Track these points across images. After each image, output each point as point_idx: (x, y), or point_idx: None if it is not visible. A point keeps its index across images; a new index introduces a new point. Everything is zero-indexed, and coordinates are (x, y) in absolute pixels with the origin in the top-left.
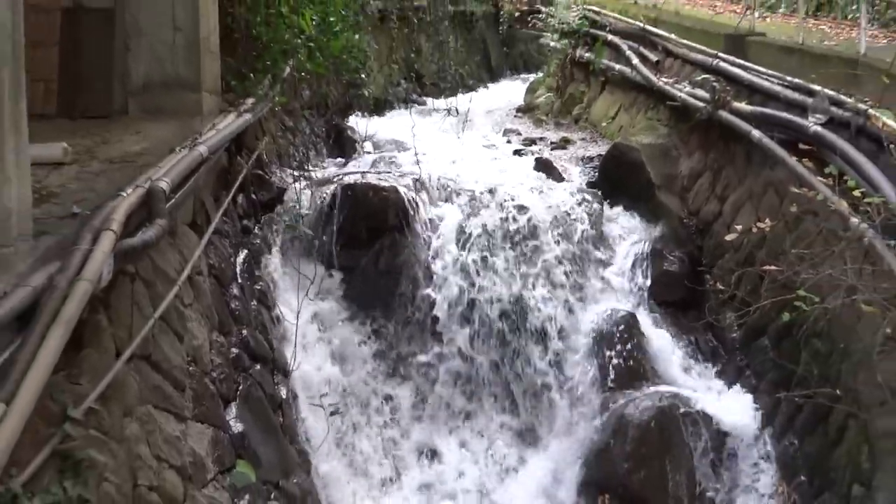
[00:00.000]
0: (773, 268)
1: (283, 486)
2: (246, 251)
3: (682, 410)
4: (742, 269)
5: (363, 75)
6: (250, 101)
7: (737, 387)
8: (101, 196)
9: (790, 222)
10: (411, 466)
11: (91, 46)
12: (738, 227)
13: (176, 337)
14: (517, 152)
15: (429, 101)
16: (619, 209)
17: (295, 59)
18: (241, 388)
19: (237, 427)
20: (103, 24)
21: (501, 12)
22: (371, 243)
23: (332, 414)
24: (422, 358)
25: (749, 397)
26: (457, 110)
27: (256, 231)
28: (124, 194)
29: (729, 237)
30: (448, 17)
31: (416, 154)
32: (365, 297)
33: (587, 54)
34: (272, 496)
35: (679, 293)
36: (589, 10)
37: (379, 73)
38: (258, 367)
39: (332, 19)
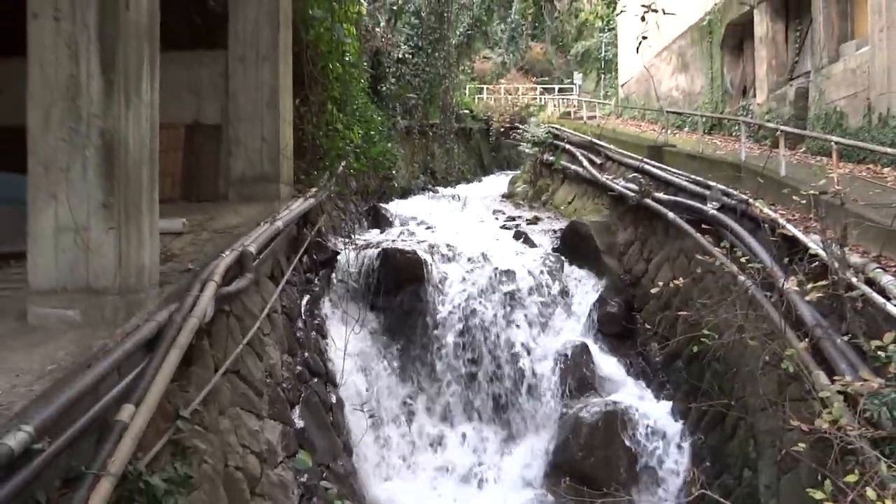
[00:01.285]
0: (684, 312)
1: (333, 467)
2: (308, 296)
3: (621, 413)
4: (662, 312)
5: (393, 171)
6: (314, 189)
7: (660, 397)
8: (208, 256)
9: (696, 279)
10: (425, 451)
11: (204, 151)
12: (660, 284)
13: (258, 357)
14: (503, 226)
15: (440, 189)
16: (575, 267)
17: (346, 161)
18: (303, 395)
19: (299, 424)
20: (213, 135)
21: (491, 128)
22: (399, 291)
23: (370, 416)
24: (433, 374)
25: (669, 404)
26: (459, 196)
27: (316, 282)
28: (224, 255)
29: (653, 290)
30: (454, 132)
31: (429, 228)
32: (394, 331)
33: (551, 158)
34: (324, 475)
35: (618, 328)
36: (552, 127)
37: (404, 170)
38: (315, 380)
39: (372, 133)
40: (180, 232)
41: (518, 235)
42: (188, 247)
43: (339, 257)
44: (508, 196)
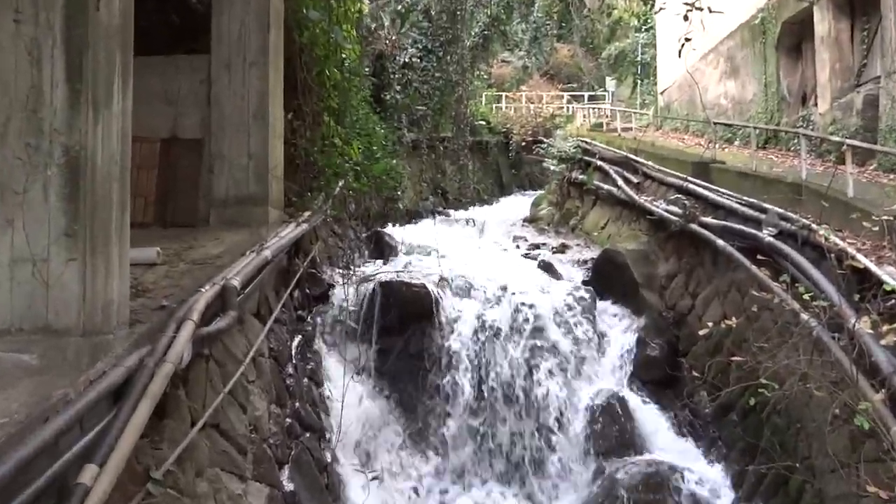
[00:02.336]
0: (737, 357)
1: None
2: (300, 336)
3: (665, 476)
4: (712, 357)
5: (399, 192)
6: (307, 213)
7: (710, 456)
8: (185, 291)
9: (751, 317)
10: None
11: (182, 169)
12: (710, 324)
13: (241, 409)
14: (525, 255)
15: (451, 212)
16: (609, 303)
17: (344, 180)
18: (293, 452)
19: (289, 486)
20: (193, 151)
21: (511, 142)
22: (403, 330)
23: (372, 478)
24: (442, 432)
25: (721, 466)
26: (474, 221)
27: (309, 320)
28: (203, 290)
29: (701, 331)
30: (468, 146)
31: (439, 257)
32: (399, 376)
33: (581, 176)
34: None
35: (660, 375)
36: (582, 141)
37: (411, 190)
38: (308, 434)
39: (374, 148)
40: (154, 263)
41: (543, 266)
42: (162, 280)
43: (335, 292)
44: (531, 220)
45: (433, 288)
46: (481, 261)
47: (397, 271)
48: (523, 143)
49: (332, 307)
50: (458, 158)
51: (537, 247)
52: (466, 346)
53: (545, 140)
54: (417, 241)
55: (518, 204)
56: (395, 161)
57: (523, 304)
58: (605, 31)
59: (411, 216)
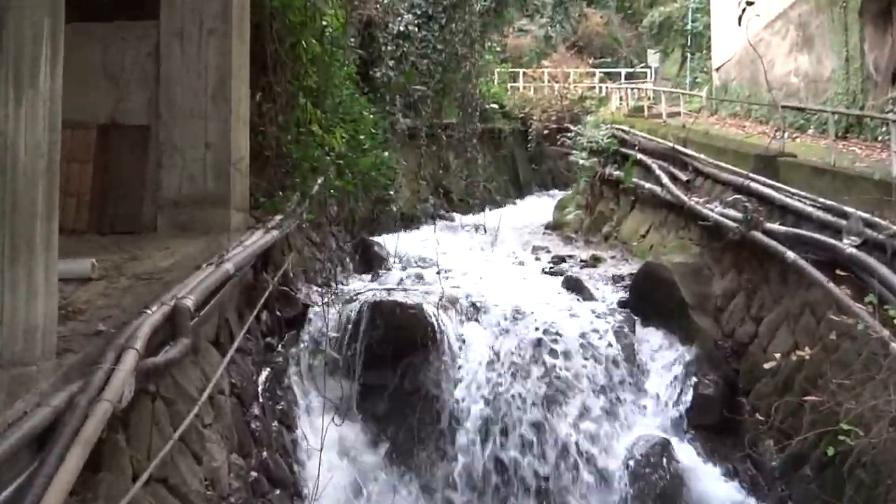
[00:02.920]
0: (812, 397)
1: None
2: (268, 370)
3: None
4: (780, 395)
5: (391, 191)
6: (278, 217)
7: None
8: (127, 313)
9: (828, 347)
10: None
11: (124, 162)
12: (777, 356)
13: (194, 459)
14: (546, 270)
15: (457, 216)
16: (651, 329)
17: (325, 177)
18: None
19: None
20: (137, 140)
21: (530, 130)
22: (397, 362)
23: None
24: (448, 484)
25: None
26: (484, 227)
27: (280, 349)
28: (149, 311)
29: (766, 364)
30: (477, 135)
31: (440, 272)
32: (391, 420)
33: (616, 172)
34: None
35: (715, 418)
36: (618, 129)
37: (407, 189)
38: (278, 492)
39: (361, 137)
40: (88, 278)
41: (569, 284)
42: (99, 299)
43: (312, 314)
44: (555, 227)
45: (433, 311)
46: (493, 277)
47: (389, 289)
48: (545, 132)
49: (308, 333)
50: (464, 150)
51: (562, 260)
52: (475, 382)
53: (572, 128)
54: (414, 251)
55: (539, 206)
56: (386, 153)
57: (545, 330)
58: None
59: (407, 221)
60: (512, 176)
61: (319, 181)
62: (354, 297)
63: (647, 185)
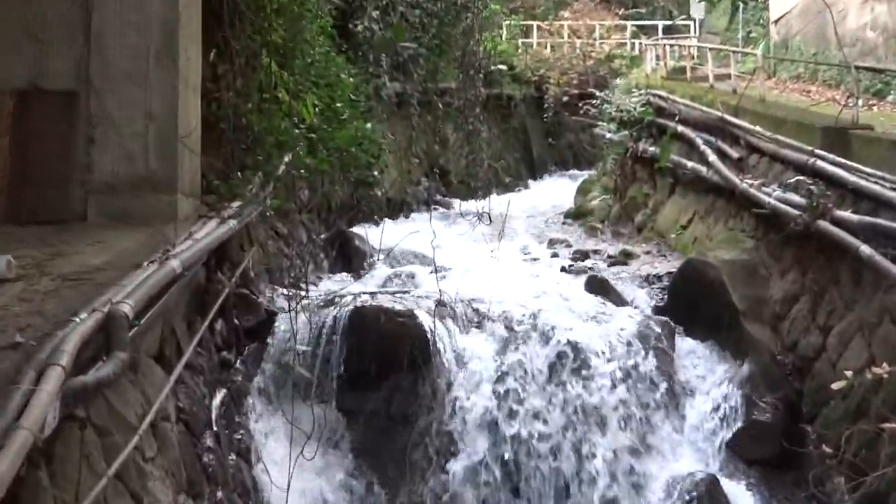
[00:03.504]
0: (893, 425)
1: None
2: (224, 391)
3: None
4: (853, 422)
5: (375, 172)
6: (236, 204)
7: None
8: (50, 322)
9: None
10: None
11: (47, 137)
12: (849, 374)
13: (133, 500)
14: (566, 269)
15: (455, 203)
16: (694, 342)
17: (293, 154)
18: None
19: None
20: (63, 110)
21: (546, 96)
22: (381, 382)
23: None
24: None
25: None
26: (489, 216)
27: (238, 366)
28: (78, 320)
29: (836, 384)
30: (480, 103)
31: (436, 271)
32: (372, 453)
33: (652, 148)
34: None
35: (772, 450)
36: (654, 96)
37: (395, 169)
38: None
39: (338, 105)
40: (4, 278)
41: (594, 285)
42: (16, 304)
43: (278, 323)
44: (576, 215)
45: (427, 319)
46: (501, 277)
47: (373, 292)
48: (565, 99)
49: (273, 347)
50: (465, 121)
51: (585, 255)
52: (478, 407)
53: (598, 94)
54: (404, 245)
55: (556, 190)
56: (369, 125)
57: (564, 342)
58: None
59: (395, 208)
60: (524, 153)
61: (287, 159)
62: (330, 302)
63: (690, 165)
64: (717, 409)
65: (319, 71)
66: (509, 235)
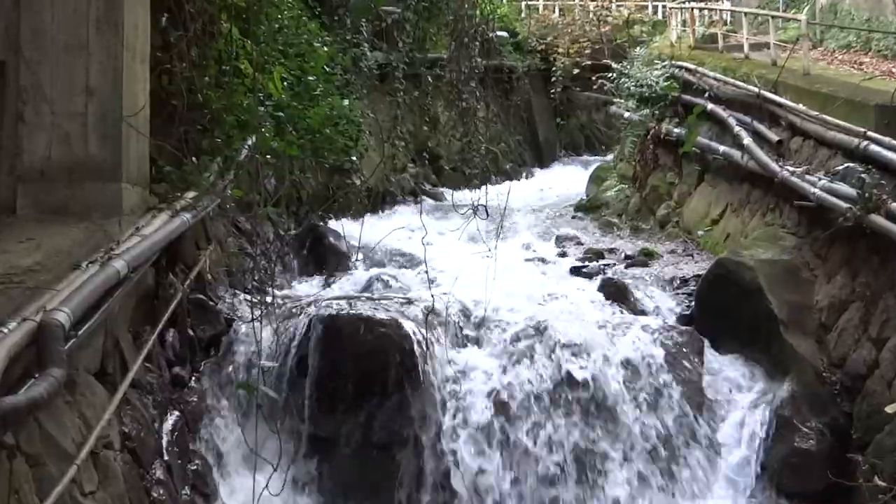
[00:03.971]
0: None
1: None
2: (177, 414)
3: None
4: None
5: (354, 157)
6: (191, 194)
7: None
8: None
9: None
10: None
11: None
12: None
13: None
14: (576, 270)
15: (447, 193)
16: (726, 356)
17: (257, 136)
18: None
19: None
20: None
21: (554, 69)
22: (361, 405)
23: None
24: None
25: None
26: (486, 209)
27: (193, 384)
28: (5, 331)
29: (890, 408)
30: (477, 76)
31: (427, 272)
32: (349, 488)
33: (677, 130)
34: None
35: (817, 482)
36: (680, 68)
37: (377, 154)
38: None
39: (310, 79)
40: None
41: (609, 290)
42: None
43: (239, 334)
44: (589, 207)
45: (414, 329)
46: (500, 281)
47: (350, 298)
48: (576, 72)
49: (233, 362)
50: (459, 98)
51: (599, 255)
52: (475, 433)
53: (614, 66)
54: (387, 243)
55: (566, 178)
56: (347, 102)
57: (573, 356)
58: None
59: (377, 200)
60: (528, 135)
61: (250, 142)
62: (301, 310)
63: (722, 149)
64: (752, 435)
65: (288, 39)
66: (510, 232)
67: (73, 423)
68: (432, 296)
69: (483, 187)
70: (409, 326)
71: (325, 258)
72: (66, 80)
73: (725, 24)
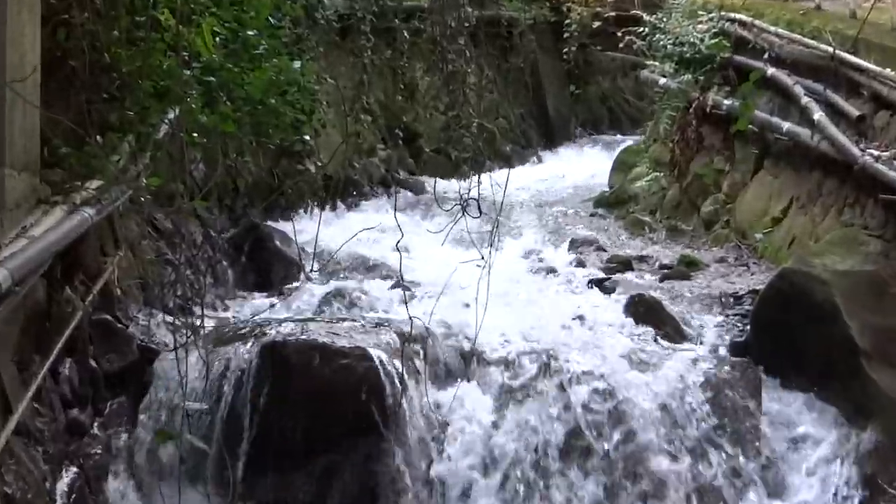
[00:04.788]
0: None
1: None
2: (75, 470)
3: None
4: None
5: (307, 136)
6: (95, 183)
7: None
8: None
9: None
10: None
11: None
12: None
13: None
14: (596, 284)
15: (428, 182)
16: (792, 396)
17: (181, 107)
18: None
19: None
20: None
21: (567, 21)
22: (314, 459)
23: None
24: None
25: None
26: (479, 204)
27: (97, 431)
28: None
29: None
30: (468, 31)
31: (402, 286)
32: None
33: (728, 101)
34: None
35: None
36: (731, 22)
37: (337, 132)
38: None
39: (250, 35)
40: None
41: (640, 310)
42: None
43: (158, 365)
44: (613, 202)
45: (385, 360)
46: (497, 297)
47: (303, 320)
48: (595, 26)
49: (149, 403)
50: (443, 60)
51: (627, 265)
52: (466, 496)
53: (646, 18)
54: (351, 248)
55: (583, 164)
56: (299, 64)
57: (594, 392)
58: None
59: (338, 191)
60: (534, 108)
61: (172, 116)
62: (238, 336)
63: (787, 126)
64: (826, 495)
65: None
66: (511, 234)
67: None
68: (410, 317)
69: (475, 176)
70: (378, 357)
71: (270, 267)
72: None
73: None
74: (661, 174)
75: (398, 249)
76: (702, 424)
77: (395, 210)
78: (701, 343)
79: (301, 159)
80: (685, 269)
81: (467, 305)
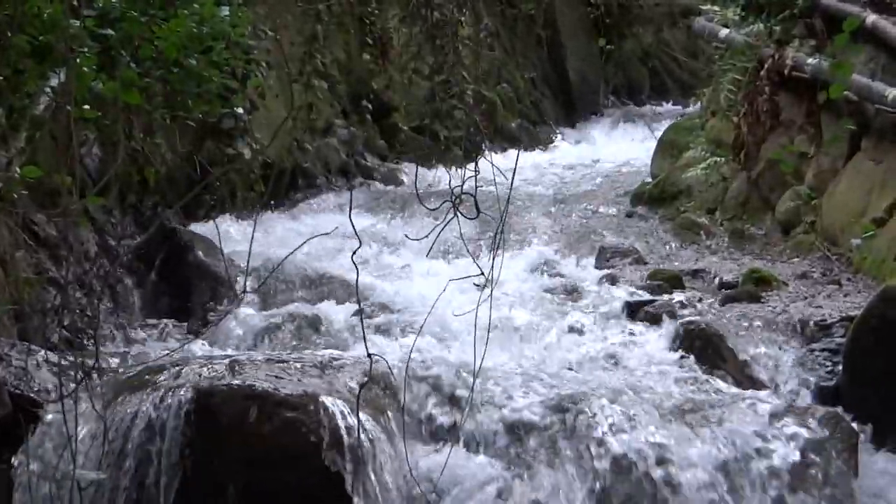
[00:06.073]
0: None
1: None
2: None
3: None
4: None
5: (240, 109)
6: None
7: None
8: None
9: None
10: None
11: None
12: None
13: None
14: (634, 309)
15: (407, 171)
16: None
17: (68, 71)
18: None
19: None
20: None
21: None
22: None
23: None
24: None
25: None
26: (476, 201)
27: None
28: None
29: None
30: None
31: (360, 308)
32: None
33: (813, 60)
34: None
35: None
36: None
37: (281, 104)
38: None
39: None
40: None
41: (692, 343)
42: None
43: (43, 422)
44: (657, 197)
45: (346, 412)
46: (500, 327)
47: (235, 358)
48: None
49: (27, 471)
50: (427, 5)
51: (675, 282)
52: None
53: None
54: (300, 261)
55: (615, 146)
56: (227, 12)
57: (632, 457)
58: None
59: (281, 185)
60: (550, 70)
61: (54, 82)
62: (147, 381)
63: (892, 94)
64: None
65: None
66: (519, 240)
67: None
68: (369, 354)
69: (471, 163)
70: (334, 408)
71: (190, 286)
72: None
73: None
74: (723, 160)
75: (354, 262)
76: (778, 492)
77: (351, 207)
78: (776, 389)
79: (231, 141)
80: (754, 288)
81: (461, 338)
